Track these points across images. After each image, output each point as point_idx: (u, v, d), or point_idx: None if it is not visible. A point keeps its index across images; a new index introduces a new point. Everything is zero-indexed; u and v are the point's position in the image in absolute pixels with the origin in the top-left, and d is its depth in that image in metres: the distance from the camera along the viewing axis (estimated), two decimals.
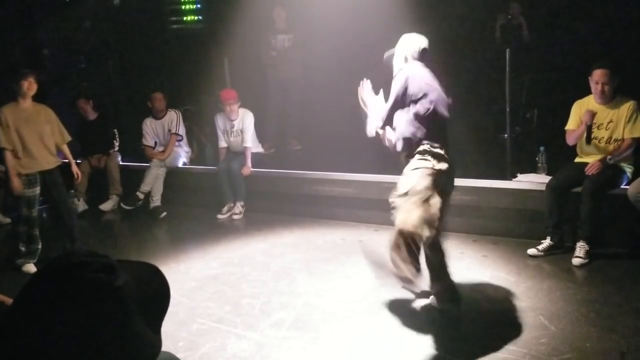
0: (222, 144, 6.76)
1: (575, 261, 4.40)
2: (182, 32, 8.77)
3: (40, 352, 0.98)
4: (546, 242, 4.61)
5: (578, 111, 4.69)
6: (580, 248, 4.42)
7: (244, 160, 6.48)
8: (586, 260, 4.39)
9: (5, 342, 1.01)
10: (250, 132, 6.57)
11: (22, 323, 1.01)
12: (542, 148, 5.30)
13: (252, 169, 6.49)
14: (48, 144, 4.99)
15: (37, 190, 4.93)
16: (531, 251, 4.60)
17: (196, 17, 8.73)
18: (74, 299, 1.00)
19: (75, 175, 5.37)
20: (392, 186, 3.47)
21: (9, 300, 1.23)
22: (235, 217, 6.39)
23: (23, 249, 4.97)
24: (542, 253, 4.58)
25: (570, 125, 4.74)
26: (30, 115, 4.89)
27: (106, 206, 7.13)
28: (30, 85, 4.82)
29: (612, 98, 4.55)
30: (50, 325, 0.99)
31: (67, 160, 5.32)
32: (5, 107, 4.82)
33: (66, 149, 5.24)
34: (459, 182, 5.21)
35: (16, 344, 1.00)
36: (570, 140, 4.75)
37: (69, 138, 5.28)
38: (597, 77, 4.48)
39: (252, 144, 6.58)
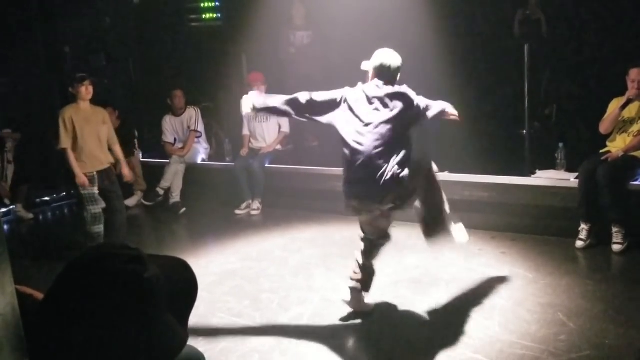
0: (245, 131, 6.85)
1: (615, 248, 4.40)
2: (200, 29, 8.82)
3: (70, 341, 1.02)
4: (583, 229, 4.56)
5: (615, 106, 4.74)
6: (617, 234, 4.42)
7: (263, 158, 6.55)
8: (625, 245, 4.38)
9: (38, 331, 1.04)
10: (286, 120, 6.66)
11: (54, 313, 1.05)
12: (561, 144, 5.26)
13: (270, 166, 6.57)
14: (104, 144, 5.14)
15: (96, 189, 5.03)
16: (578, 244, 4.57)
17: (214, 15, 8.78)
18: (104, 289, 1.04)
19: (125, 176, 5.39)
20: None
21: (39, 295, 1.27)
22: (253, 213, 6.44)
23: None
24: (588, 240, 4.54)
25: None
26: (89, 116, 5.04)
27: (131, 202, 7.24)
28: (87, 90, 4.97)
29: None
30: (80, 315, 1.02)
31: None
32: (67, 109, 5.00)
33: (118, 149, 5.30)
34: (477, 178, 5.27)
35: (48, 333, 1.04)
36: (603, 125, 4.78)
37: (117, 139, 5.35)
38: (634, 75, 4.61)
39: (287, 130, 6.76)
